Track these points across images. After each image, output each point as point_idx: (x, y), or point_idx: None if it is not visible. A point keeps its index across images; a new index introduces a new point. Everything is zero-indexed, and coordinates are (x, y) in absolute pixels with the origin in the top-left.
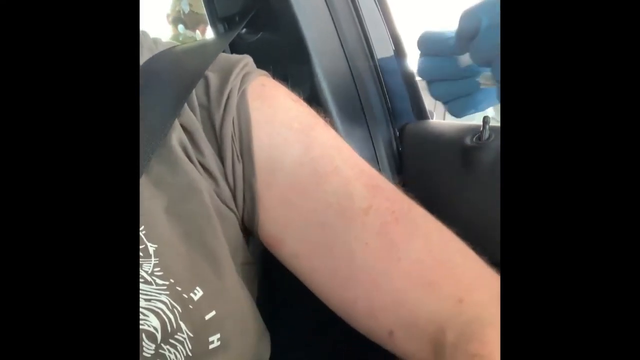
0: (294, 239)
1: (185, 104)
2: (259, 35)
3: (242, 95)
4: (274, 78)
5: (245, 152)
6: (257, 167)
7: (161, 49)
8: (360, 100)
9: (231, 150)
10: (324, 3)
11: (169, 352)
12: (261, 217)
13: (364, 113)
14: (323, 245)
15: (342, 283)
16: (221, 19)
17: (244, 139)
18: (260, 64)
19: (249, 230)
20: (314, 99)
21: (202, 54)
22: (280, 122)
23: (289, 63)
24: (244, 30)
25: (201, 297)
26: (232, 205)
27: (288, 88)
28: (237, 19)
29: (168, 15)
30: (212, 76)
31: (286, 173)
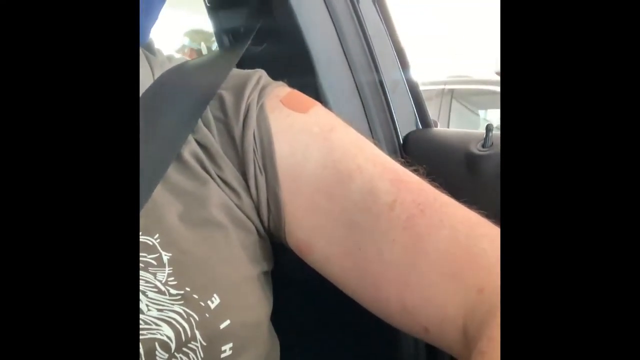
0: (324, 242)
1: (200, 120)
2: (263, 47)
3: (261, 109)
4: None
5: (268, 163)
6: (280, 177)
7: (175, 64)
8: (365, 110)
9: (253, 164)
10: (328, 15)
11: None
12: (288, 225)
13: (368, 122)
14: (352, 245)
15: (373, 282)
16: (226, 32)
17: (265, 151)
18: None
19: (276, 238)
20: None
21: (214, 71)
22: (300, 128)
23: (294, 74)
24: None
25: (218, 306)
26: (255, 217)
27: None
28: (241, 30)
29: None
30: (226, 93)
31: (310, 178)
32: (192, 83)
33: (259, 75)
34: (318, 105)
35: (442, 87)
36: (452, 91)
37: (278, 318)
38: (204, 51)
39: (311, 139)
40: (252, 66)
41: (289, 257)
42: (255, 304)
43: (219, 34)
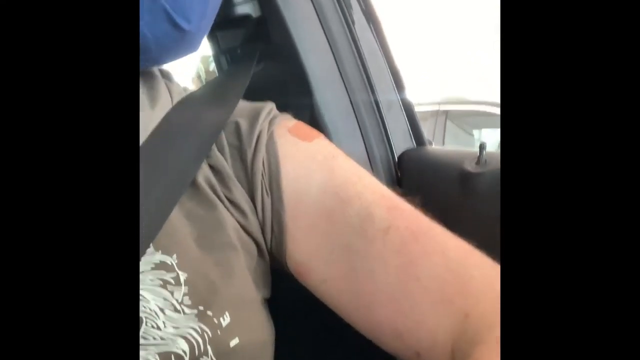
0: (321, 265)
1: (214, 146)
2: (260, 67)
3: (271, 136)
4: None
5: (274, 185)
6: (285, 199)
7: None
8: (360, 129)
9: (260, 186)
10: (324, 35)
11: None
12: (289, 246)
13: (363, 140)
14: (347, 267)
15: (366, 304)
16: (223, 51)
17: (273, 174)
18: (262, 94)
19: (276, 261)
20: (314, 124)
21: (224, 104)
22: (305, 155)
23: (290, 93)
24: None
25: (229, 324)
26: (260, 238)
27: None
28: (238, 51)
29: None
30: (242, 121)
31: (312, 201)
32: (202, 119)
33: (271, 107)
34: (322, 137)
35: (436, 107)
36: (446, 112)
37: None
38: (202, 74)
39: (315, 166)
40: (250, 86)
41: (287, 285)
42: (261, 325)
43: (217, 54)
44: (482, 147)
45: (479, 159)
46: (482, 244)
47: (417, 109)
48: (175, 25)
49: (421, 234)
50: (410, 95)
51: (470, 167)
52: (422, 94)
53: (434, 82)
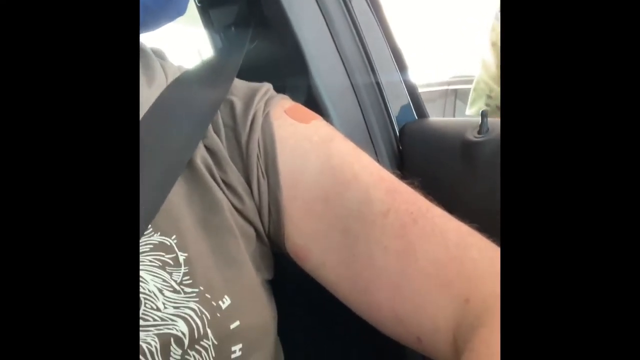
0: (320, 248)
1: (210, 126)
2: (254, 44)
3: (267, 117)
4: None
5: (270, 168)
6: (281, 181)
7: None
8: (359, 103)
9: (257, 168)
10: (320, 12)
11: (194, 358)
12: (287, 230)
13: (363, 115)
14: (346, 251)
15: (365, 288)
16: (217, 30)
17: (269, 156)
18: (258, 72)
19: (274, 244)
20: (311, 106)
21: (219, 82)
22: (301, 136)
23: (286, 73)
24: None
25: (228, 306)
26: (257, 221)
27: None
28: (232, 29)
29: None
30: (237, 100)
31: (309, 184)
32: (198, 98)
33: (267, 87)
34: (319, 118)
35: (445, 87)
36: (455, 91)
37: (282, 326)
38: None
39: (311, 147)
40: (245, 65)
41: (291, 268)
42: (262, 308)
43: (211, 33)
44: (483, 115)
45: (481, 128)
46: (484, 213)
47: (425, 90)
48: None
49: (420, 217)
50: (417, 76)
51: (472, 135)
52: (430, 75)
53: (442, 62)
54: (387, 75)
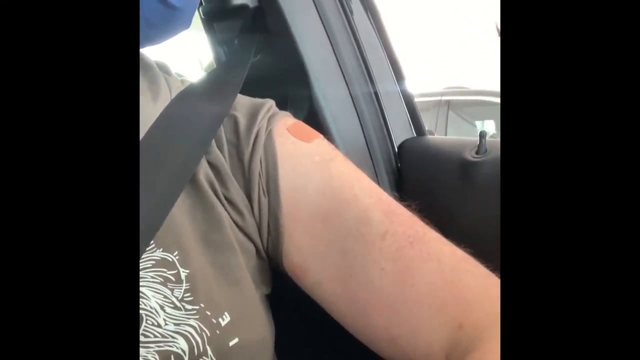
0: (317, 267)
1: (214, 142)
2: (257, 57)
3: (269, 135)
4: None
5: (272, 186)
6: (282, 200)
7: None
8: (359, 119)
9: (258, 186)
10: (322, 25)
11: None
12: (286, 247)
13: (362, 131)
14: (343, 271)
15: (362, 308)
16: (221, 43)
17: (270, 174)
18: (260, 85)
19: (273, 261)
20: (312, 119)
21: (222, 97)
22: (303, 155)
23: (289, 85)
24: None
25: (228, 323)
26: (256, 238)
27: (288, 109)
28: (236, 42)
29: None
30: (240, 117)
31: (309, 203)
32: (201, 113)
33: (270, 104)
34: (321, 137)
35: (438, 98)
36: (448, 102)
37: (280, 342)
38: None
39: (312, 167)
40: (248, 77)
41: (289, 283)
42: (260, 324)
43: (214, 45)
44: (482, 135)
45: (479, 148)
46: (482, 233)
47: (418, 99)
48: (165, 2)
49: (417, 240)
50: (412, 86)
51: (470, 155)
52: (424, 85)
53: (435, 73)
54: (386, 90)
